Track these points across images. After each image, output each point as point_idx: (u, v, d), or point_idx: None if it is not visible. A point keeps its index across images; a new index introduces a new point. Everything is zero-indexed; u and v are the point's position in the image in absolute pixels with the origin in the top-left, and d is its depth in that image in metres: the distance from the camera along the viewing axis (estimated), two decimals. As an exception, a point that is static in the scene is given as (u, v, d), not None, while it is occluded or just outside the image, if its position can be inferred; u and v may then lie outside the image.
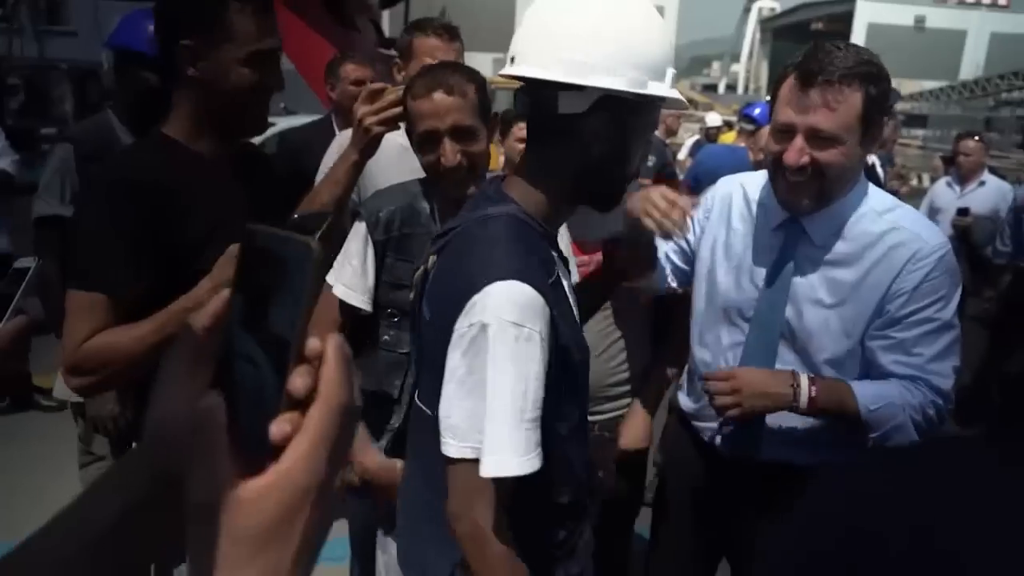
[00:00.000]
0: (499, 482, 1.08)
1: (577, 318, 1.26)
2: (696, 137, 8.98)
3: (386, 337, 1.74)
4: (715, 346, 1.68)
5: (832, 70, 1.36)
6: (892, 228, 1.46)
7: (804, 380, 1.46)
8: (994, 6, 56.30)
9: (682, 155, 7.98)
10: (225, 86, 1.41)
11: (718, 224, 1.69)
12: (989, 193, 4.89)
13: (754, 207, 1.64)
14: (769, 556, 1.51)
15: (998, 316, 4.76)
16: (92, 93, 13.15)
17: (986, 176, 5.00)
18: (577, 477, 1.29)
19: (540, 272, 1.12)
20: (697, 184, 3.98)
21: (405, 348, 1.64)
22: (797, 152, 1.40)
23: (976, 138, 5.08)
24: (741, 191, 1.70)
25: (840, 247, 1.48)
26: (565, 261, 1.30)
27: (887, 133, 4.21)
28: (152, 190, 1.35)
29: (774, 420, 1.55)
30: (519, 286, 1.07)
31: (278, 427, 0.43)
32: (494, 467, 1.06)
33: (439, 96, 1.55)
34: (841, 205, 1.49)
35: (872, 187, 1.55)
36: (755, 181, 1.66)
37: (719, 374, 1.50)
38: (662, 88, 1.14)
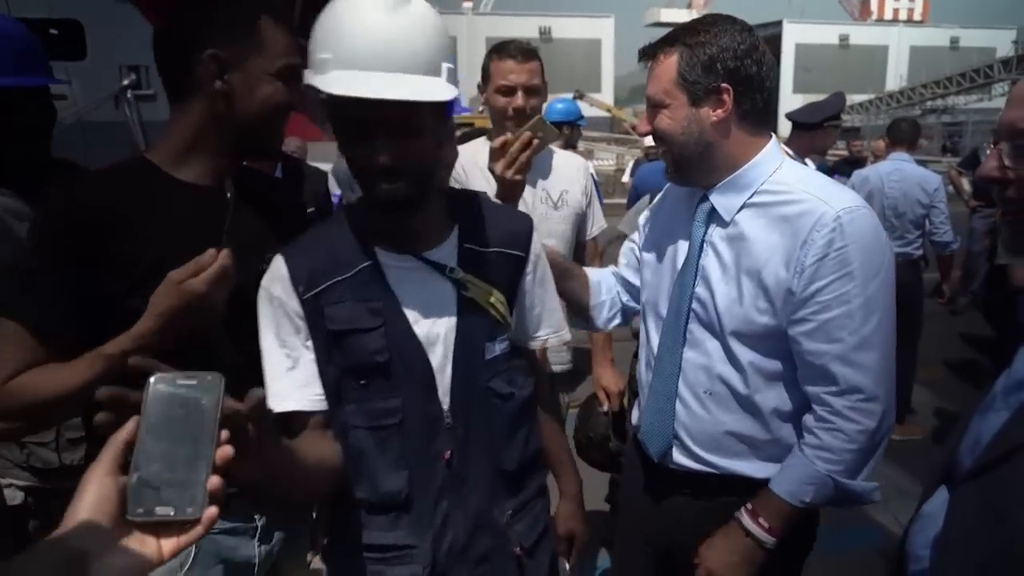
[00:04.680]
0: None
1: (408, 324, 1.26)
2: (636, 157, 9.15)
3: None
4: (645, 345, 1.64)
5: (653, 44, 1.45)
6: (798, 198, 1.38)
7: (748, 522, 1.42)
8: (911, 21, 59.09)
9: (625, 177, 8.10)
10: (256, 99, 1.34)
11: (651, 232, 1.67)
12: None
13: (673, 201, 1.63)
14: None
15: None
16: None
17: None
18: (372, 478, 1.26)
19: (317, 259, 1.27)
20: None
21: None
22: (643, 123, 1.49)
23: (881, 138, 5.39)
24: (667, 192, 1.69)
25: (747, 221, 1.42)
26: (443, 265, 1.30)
27: (826, 143, 4.36)
28: (91, 219, 1.23)
29: (684, 425, 1.52)
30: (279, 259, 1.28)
31: None
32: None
33: None
34: (745, 177, 1.43)
35: (787, 160, 1.48)
36: None
37: None
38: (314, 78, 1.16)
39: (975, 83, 40.13)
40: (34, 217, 1.41)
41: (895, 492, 3.62)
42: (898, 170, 4.44)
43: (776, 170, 1.44)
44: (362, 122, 1.15)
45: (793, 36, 52.69)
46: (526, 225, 1.42)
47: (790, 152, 4.14)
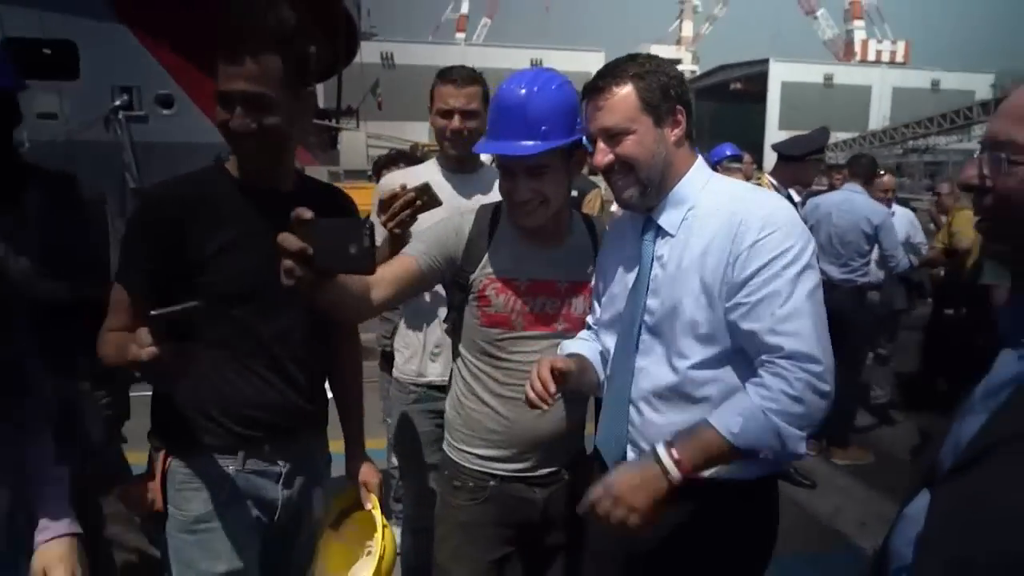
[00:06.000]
0: None
1: None
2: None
3: None
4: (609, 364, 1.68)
5: (599, 79, 1.51)
6: (731, 201, 1.50)
7: (661, 449, 1.39)
8: (893, 63, 60.57)
9: (614, 207, 8.23)
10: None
11: (603, 266, 1.73)
12: (900, 221, 5.34)
13: (618, 232, 1.72)
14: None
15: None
16: None
17: (895, 208, 5.43)
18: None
19: None
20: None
21: None
22: (601, 154, 1.52)
23: (883, 174, 5.47)
24: (617, 223, 1.76)
25: (687, 228, 1.53)
26: None
27: (808, 176, 4.50)
28: (172, 206, 1.53)
29: (639, 430, 1.57)
30: None
31: None
32: None
33: None
34: (682, 192, 1.55)
35: (715, 174, 1.61)
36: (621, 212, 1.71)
37: (594, 496, 1.40)
38: None
39: (955, 124, 40.93)
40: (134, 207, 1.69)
41: (875, 516, 3.65)
42: (848, 200, 4.55)
43: (707, 182, 1.57)
44: None
45: (779, 74, 53.68)
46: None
47: (774, 182, 4.24)
